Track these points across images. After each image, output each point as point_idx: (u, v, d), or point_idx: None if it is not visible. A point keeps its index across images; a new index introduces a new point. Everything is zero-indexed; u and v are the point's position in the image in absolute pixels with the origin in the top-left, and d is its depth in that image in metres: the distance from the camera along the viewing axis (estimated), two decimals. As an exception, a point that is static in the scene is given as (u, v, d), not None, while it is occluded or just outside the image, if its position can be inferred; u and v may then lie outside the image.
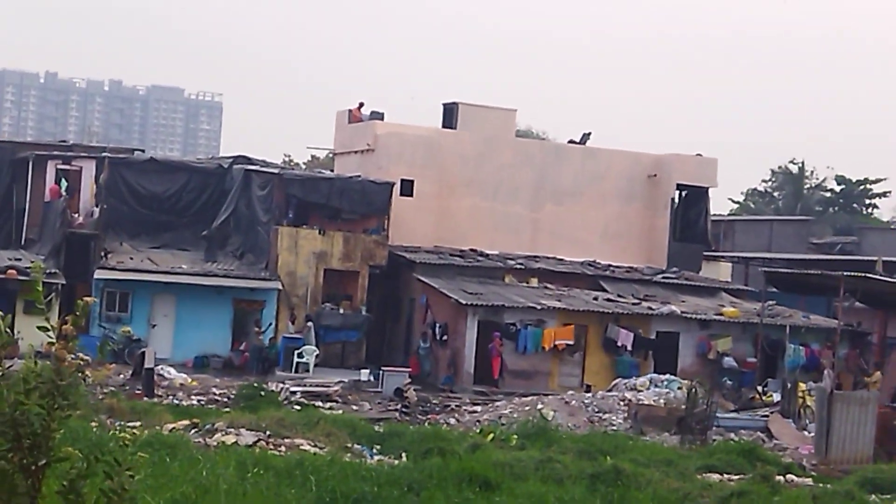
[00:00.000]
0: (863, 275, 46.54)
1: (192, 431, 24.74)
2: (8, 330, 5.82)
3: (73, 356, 5.67)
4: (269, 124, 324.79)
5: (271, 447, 23.20)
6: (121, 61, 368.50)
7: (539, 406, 36.52)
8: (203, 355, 45.75)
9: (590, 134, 58.51)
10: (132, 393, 34.86)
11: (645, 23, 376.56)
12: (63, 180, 50.25)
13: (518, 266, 51.59)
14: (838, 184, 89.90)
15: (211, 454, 20.33)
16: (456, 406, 39.51)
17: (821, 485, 25.96)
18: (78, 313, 5.68)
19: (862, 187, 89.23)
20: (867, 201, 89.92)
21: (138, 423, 24.90)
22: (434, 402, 40.22)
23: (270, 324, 46.64)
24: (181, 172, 51.97)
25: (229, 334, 46.79)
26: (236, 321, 47.11)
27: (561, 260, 53.77)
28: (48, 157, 51.83)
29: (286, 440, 24.11)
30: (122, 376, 38.48)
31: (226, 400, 35.61)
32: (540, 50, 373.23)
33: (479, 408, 38.73)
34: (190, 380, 40.03)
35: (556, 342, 46.17)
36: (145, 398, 33.81)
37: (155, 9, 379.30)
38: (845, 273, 45.66)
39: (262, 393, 34.54)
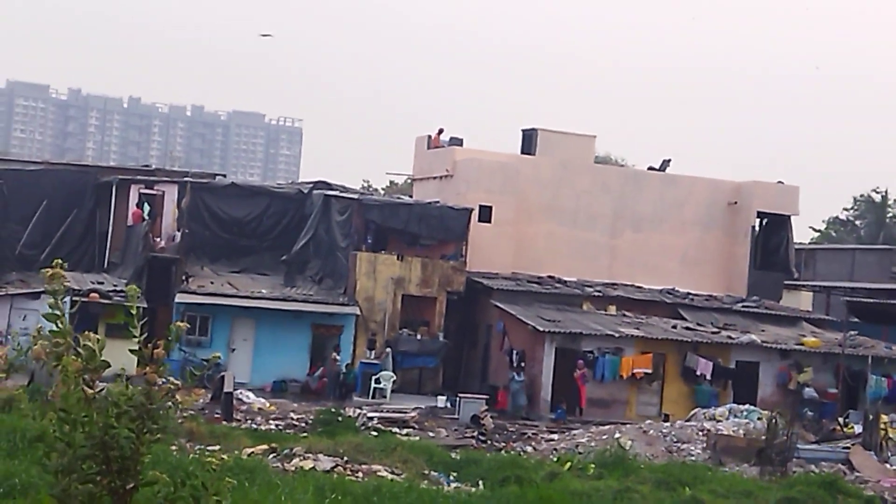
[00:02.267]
0: (947, 305, 45.91)
1: (271, 456, 24.87)
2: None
3: (163, 380, 5.73)
4: (349, 150, 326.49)
5: (349, 473, 23.26)
6: (203, 87, 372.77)
7: (616, 435, 36.25)
8: (281, 380, 45.98)
9: (669, 160, 58.21)
10: (211, 417, 35.06)
11: (725, 51, 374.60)
12: (146, 204, 50.88)
13: (596, 293, 51.38)
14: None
15: (289, 479, 20.42)
16: (532, 434, 39.35)
17: (904, 519, 25.57)
18: (170, 338, 5.75)
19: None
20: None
21: (217, 447, 25.04)
22: (511, 429, 40.09)
23: (340, 350, 46.57)
24: (261, 197, 52.42)
25: (307, 359, 46.99)
26: (314, 346, 47.30)
27: (639, 287, 53.51)
28: (131, 182, 52.52)
29: (363, 466, 24.16)
30: (201, 400, 38.74)
31: (304, 425, 35.70)
32: (620, 77, 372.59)
33: (555, 436, 38.54)
34: (268, 404, 40.25)
35: (635, 370, 45.88)
36: (224, 422, 33.98)
37: (237, 37, 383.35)
38: (929, 303, 45.06)
39: (340, 418, 34.62)
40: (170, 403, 5.88)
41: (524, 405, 44.92)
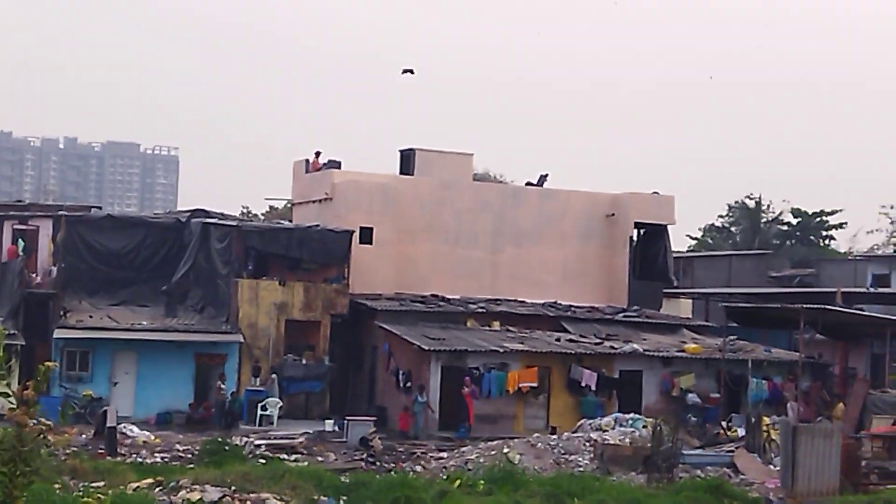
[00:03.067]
0: (822, 306, 46.93)
1: (157, 490, 24.55)
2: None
3: (34, 421, 5.63)
4: (227, 177, 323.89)
5: (237, 502, 23.05)
6: (75, 118, 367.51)
7: (505, 450, 36.44)
8: (166, 412, 45.42)
9: (547, 175, 58.76)
10: (95, 453, 34.54)
11: (596, 63, 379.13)
12: (20, 240, 49.96)
13: (479, 310, 51.60)
14: (794, 217, 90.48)
15: (177, 512, 20.19)
16: (422, 453, 39.37)
17: (788, 518, 26.04)
18: (39, 378, 5.66)
19: (818, 219, 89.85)
20: (823, 233, 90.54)
21: (102, 484, 24.67)
22: (400, 450, 40.07)
23: (225, 379, 46.15)
24: (138, 228, 51.75)
25: (192, 390, 46.46)
26: (199, 376, 46.78)
27: (522, 302, 53.86)
28: (4, 218, 51.52)
29: (252, 495, 23.96)
30: (84, 436, 38.15)
31: (190, 456, 35.35)
32: (495, 93, 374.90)
33: (444, 454, 38.59)
34: (153, 437, 39.73)
35: (521, 385, 46.15)
36: (108, 457, 33.51)
37: (107, 66, 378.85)
38: (805, 305, 46.02)
39: (227, 448, 34.33)
40: (43, 444, 5.78)
41: (423, 427, 44.82)
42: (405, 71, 56.66)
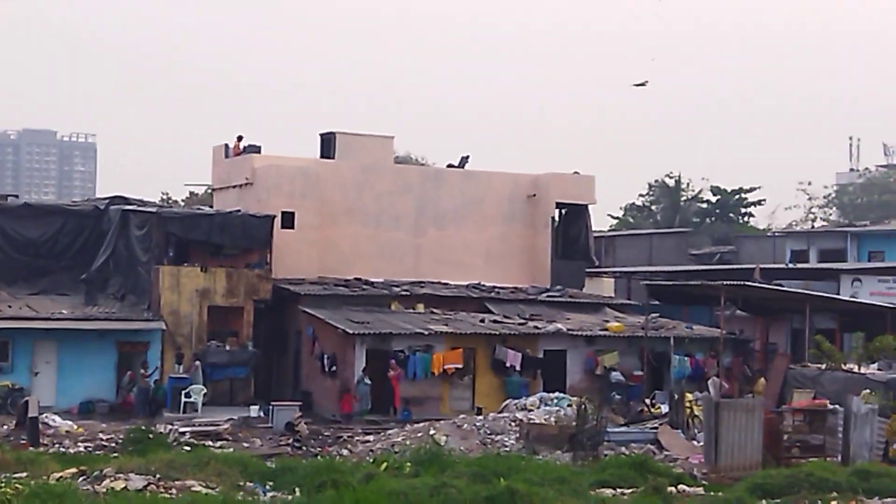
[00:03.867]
0: (742, 283, 47.50)
1: (81, 479, 24.27)
2: None
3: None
4: (146, 163, 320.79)
5: (162, 490, 22.87)
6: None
7: (431, 432, 36.53)
8: (88, 401, 45.01)
9: (468, 157, 58.86)
10: (17, 443, 34.13)
11: (513, 41, 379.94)
12: (-65, 231, 49.15)
13: (403, 292, 51.62)
14: (714, 194, 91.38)
15: (100, 501, 20.03)
16: (348, 437, 39.35)
17: (712, 493, 26.36)
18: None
19: (737, 197, 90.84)
20: (742, 210, 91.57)
21: (24, 474, 24.37)
22: (326, 434, 40.02)
23: (156, 367, 45.90)
24: (56, 216, 51.14)
25: (114, 378, 46.03)
26: (121, 364, 46.34)
27: (446, 284, 53.98)
28: (-82, 208, 50.64)
29: (177, 482, 23.76)
30: (5, 427, 37.68)
31: (114, 445, 35.05)
32: (415, 75, 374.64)
33: (371, 437, 38.61)
34: (76, 426, 39.35)
35: (446, 366, 46.22)
36: (30, 448, 33.10)
37: (22, 51, 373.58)
38: (725, 282, 46.54)
39: (151, 436, 34.05)
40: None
41: (369, 410, 44.69)
42: (638, 84, 58.05)
